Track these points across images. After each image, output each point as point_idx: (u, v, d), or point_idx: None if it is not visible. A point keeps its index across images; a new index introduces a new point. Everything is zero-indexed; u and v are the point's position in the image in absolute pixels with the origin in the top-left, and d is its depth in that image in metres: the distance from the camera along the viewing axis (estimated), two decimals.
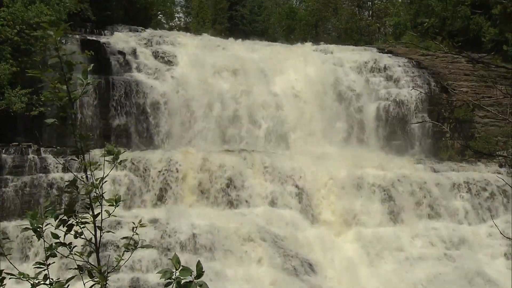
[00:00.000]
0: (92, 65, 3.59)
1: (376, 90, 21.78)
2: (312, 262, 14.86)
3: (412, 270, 15.52)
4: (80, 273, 3.41)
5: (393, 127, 21.49)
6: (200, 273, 3.00)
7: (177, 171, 16.01)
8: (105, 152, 3.18)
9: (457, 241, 16.62)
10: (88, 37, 19.33)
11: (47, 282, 3.35)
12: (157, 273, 3.09)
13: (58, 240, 3.28)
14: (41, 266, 3.38)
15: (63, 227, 3.28)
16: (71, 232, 3.28)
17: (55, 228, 3.32)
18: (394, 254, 15.91)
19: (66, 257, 3.33)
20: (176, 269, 2.99)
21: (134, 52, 19.54)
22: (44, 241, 3.30)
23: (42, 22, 4.69)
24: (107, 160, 3.20)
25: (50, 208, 3.27)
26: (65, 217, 3.29)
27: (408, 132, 21.59)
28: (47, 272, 3.38)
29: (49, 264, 3.36)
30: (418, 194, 17.56)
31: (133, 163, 15.70)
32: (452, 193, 18.02)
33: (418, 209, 17.41)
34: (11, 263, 3.71)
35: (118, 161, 3.25)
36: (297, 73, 21.30)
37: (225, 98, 19.77)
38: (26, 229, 3.27)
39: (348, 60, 22.49)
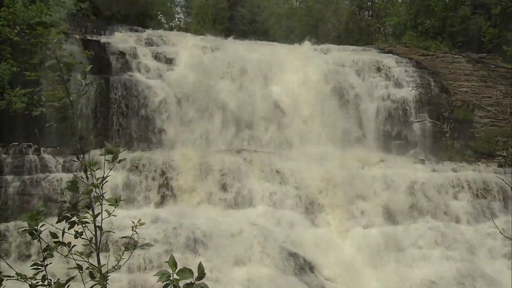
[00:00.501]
0: (91, 66, 3.58)
1: (376, 90, 21.76)
2: (312, 262, 14.85)
3: (412, 270, 15.51)
4: (80, 272, 3.40)
5: (393, 127, 21.48)
6: (201, 275, 2.98)
7: (177, 172, 16.00)
8: (105, 152, 3.17)
9: (457, 241, 16.61)
10: (88, 37, 19.31)
11: (45, 283, 3.34)
12: (155, 275, 3.07)
13: (57, 240, 3.28)
14: (39, 267, 3.37)
15: (66, 222, 3.27)
16: (71, 232, 3.28)
17: (56, 222, 3.31)
18: (395, 254, 15.89)
19: (65, 256, 3.32)
20: (173, 271, 2.97)
21: (134, 52, 19.53)
22: (44, 241, 3.29)
23: (41, 22, 4.67)
24: (107, 160, 3.19)
25: (43, 209, 3.27)
26: (68, 214, 3.29)
27: (408, 132, 21.58)
28: (45, 273, 3.37)
29: (47, 264, 3.35)
30: (418, 194, 17.55)
31: (133, 163, 15.69)
32: (452, 193, 18.01)
33: (418, 209, 17.39)
34: (7, 263, 3.71)
35: (118, 160, 3.24)
36: (296, 73, 21.28)
37: (224, 98, 19.76)
38: (24, 231, 3.26)
39: (348, 60, 22.47)
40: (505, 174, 18.65)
